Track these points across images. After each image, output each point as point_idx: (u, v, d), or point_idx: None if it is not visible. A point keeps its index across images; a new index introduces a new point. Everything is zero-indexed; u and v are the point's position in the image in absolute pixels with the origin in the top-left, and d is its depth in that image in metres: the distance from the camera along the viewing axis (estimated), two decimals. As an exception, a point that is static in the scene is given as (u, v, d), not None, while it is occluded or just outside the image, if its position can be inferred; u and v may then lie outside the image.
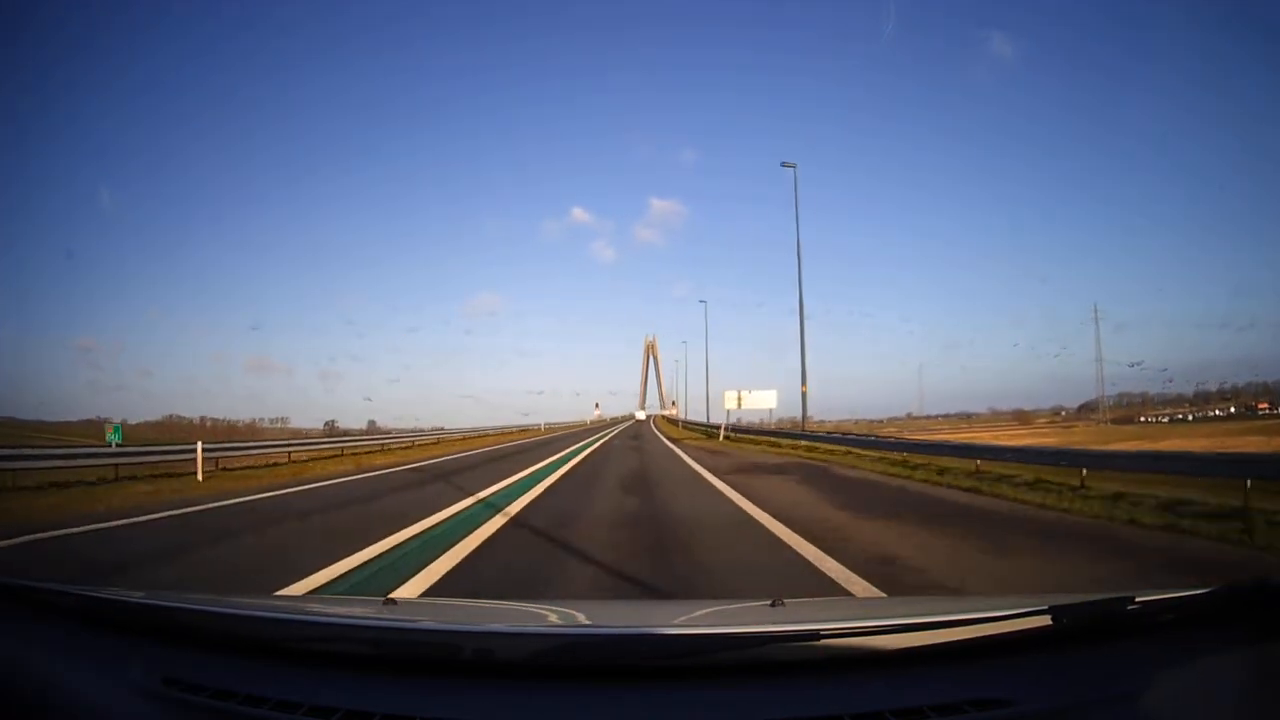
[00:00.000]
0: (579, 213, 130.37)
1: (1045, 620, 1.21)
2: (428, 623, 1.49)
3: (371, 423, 47.35)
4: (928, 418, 63.49)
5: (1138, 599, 1.26)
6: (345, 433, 39.90)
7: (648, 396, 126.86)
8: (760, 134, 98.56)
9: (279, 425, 49.59)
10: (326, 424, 48.80)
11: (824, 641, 1.19)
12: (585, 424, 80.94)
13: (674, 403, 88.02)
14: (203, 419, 47.41)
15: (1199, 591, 1.29)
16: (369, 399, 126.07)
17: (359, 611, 1.92)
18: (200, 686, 1.18)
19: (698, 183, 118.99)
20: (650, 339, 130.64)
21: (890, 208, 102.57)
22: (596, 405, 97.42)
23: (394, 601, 1.78)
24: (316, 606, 2.29)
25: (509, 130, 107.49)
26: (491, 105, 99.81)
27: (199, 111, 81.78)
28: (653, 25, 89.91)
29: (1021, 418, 57.02)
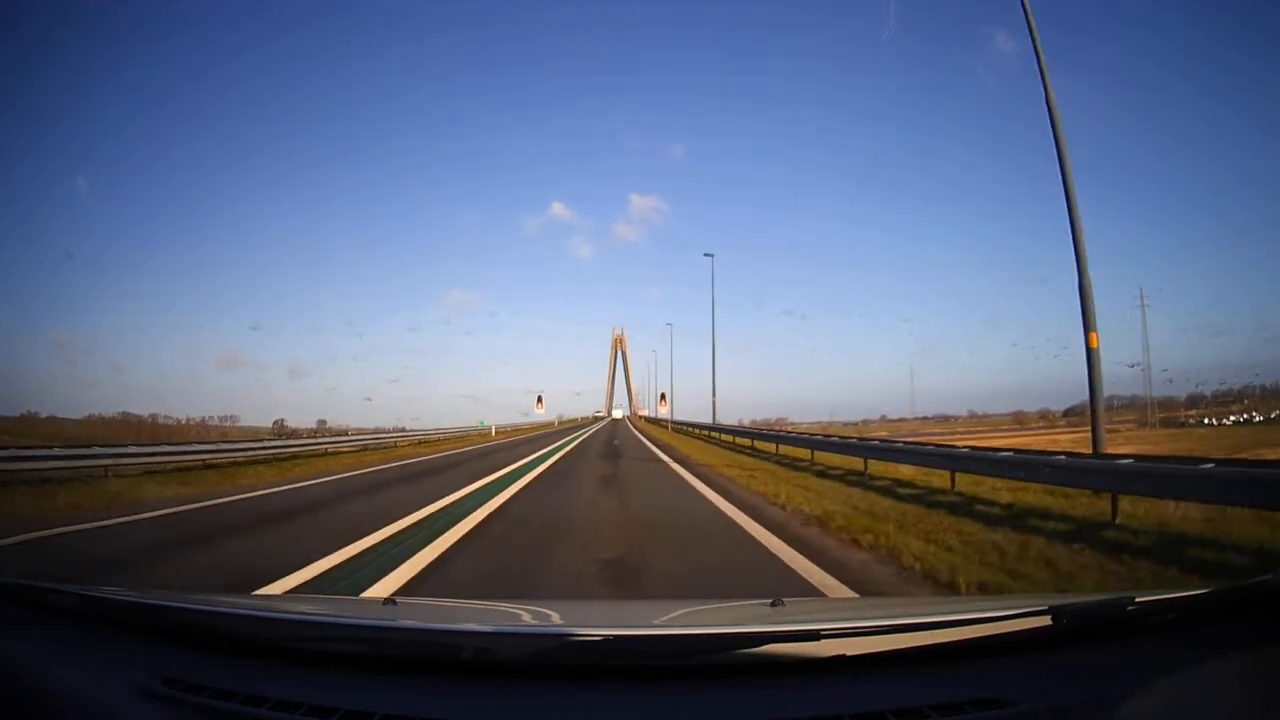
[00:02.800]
0: (558, 208, 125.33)
1: (1045, 620, 1.21)
2: (428, 623, 1.49)
3: (321, 422, 43.90)
4: (920, 419, 58.04)
5: (1138, 599, 1.26)
6: (294, 432, 37.57)
7: (615, 395, 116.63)
8: (750, 135, 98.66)
9: (228, 424, 47.17)
10: (275, 423, 46.97)
11: (824, 641, 1.18)
12: (490, 436, 40.75)
13: (664, 396, 59.55)
14: (153, 416, 44.22)
15: (1199, 592, 1.30)
16: (369, 399, 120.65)
17: (359, 611, 1.94)
18: (200, 686, 1.19)
19: (681, 180, 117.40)
20: (618, 333, 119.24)
21: (888, 209, 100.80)
22: (539, 400, 60.81)
23: (394, 602, 1.79)
24: (317, 607, 2.29)
25: (493, 124, 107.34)
26: (482, 103, 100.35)
27: (183, 107, 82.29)
28: (647, 27, 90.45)
29: (1020, 418, 51.30)
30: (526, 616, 1.74)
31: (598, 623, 1.46)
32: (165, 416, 45.52)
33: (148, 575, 5.28)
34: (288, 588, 4.58)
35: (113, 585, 1.63)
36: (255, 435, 35.64)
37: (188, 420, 46.73)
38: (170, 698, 1.19)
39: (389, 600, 1.79)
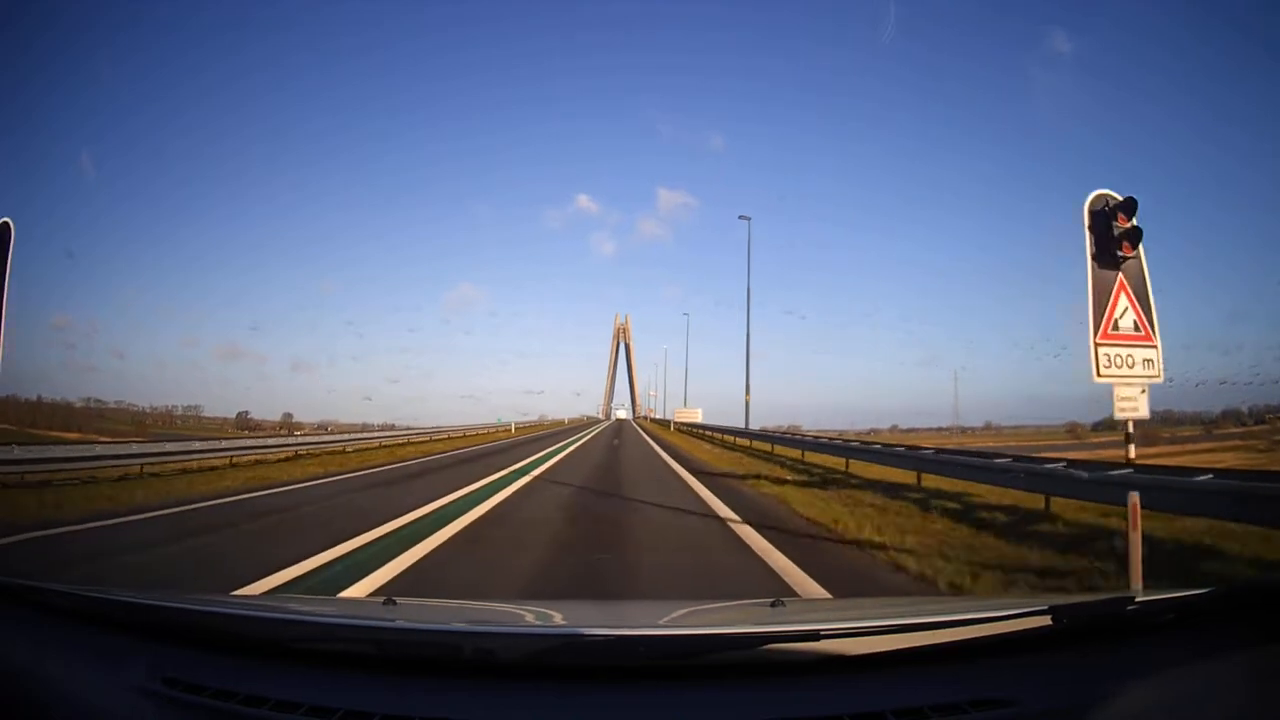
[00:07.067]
0: (584, 200, 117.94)
1: (1046, 620, 1.22)
2: (428, 623, 1.50)
3: (287, 415, 41.76)
4: (964, 430, 48.20)
5: (1138, 599, 1.28)
6: (257, 426, 36.40)
7: (616, 394, 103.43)
8: (774, 137, 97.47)
9: (191, 416, 46.58)
10: (239, 414, 45.92)
11: (824, 641, 1.18)
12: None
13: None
14: (118, 403, 44.03)
15: (1198, 592, 1.29)
16: (369, 398, 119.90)
17: (359, 612, 1.93)
18: (200, 686, 1.19)
19: (713, 179, 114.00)
20: (621, 321, 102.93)
21: (891, 215, 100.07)
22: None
23: (394, 602, 1.78)
24: (317, 607, 2.28)
25: (508, 121, 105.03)
26: (498, 97, 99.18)
27: (190, 101, 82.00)
28: (670, 28, 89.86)
29: (1077, 432, 48.11)
30: (527, 617, 1.75)
31: (598, 623, 1.46)
32: (130, 404, 45.51)
33: None
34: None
35: (113, 586, 1.62)
36: (211, 429, 34.36)
37: (151, 409, 45.99)
38: (170, 698, 1.18)
39: (389, 600, 1.78)
